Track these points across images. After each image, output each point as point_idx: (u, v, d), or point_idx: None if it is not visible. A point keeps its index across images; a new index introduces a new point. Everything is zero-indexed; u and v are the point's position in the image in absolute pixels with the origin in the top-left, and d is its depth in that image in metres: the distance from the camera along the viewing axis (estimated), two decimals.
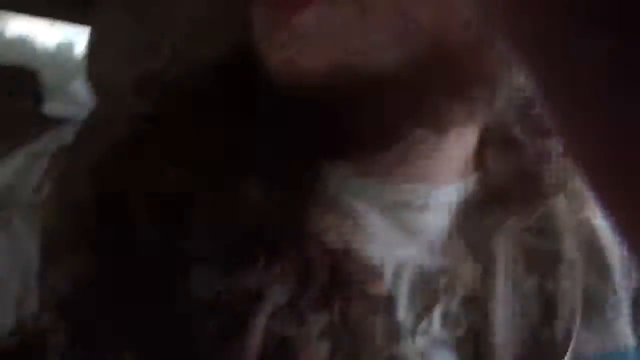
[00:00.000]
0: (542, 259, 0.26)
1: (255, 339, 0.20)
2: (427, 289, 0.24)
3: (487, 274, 0.25)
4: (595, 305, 0.26)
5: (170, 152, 0.23)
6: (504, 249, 0.25)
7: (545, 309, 0.25)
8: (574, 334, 0.25)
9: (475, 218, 0.25)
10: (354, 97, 0.21)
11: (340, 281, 0.22)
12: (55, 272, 0.21)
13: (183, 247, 0.21)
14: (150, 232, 0.21)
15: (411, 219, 0.24)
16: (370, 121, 0.22)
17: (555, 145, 0.26)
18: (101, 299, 0.20)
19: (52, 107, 1.80)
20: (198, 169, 0.22)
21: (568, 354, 0.25)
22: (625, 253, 0.19)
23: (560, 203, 0.27)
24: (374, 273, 0.23)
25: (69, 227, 0.22)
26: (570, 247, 0.26)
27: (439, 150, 0.24)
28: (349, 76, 0.21)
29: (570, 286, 0.25)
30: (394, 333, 0.22)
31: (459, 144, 0.25)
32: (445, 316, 0.24)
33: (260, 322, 0.20)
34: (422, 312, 0.23)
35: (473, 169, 0.26)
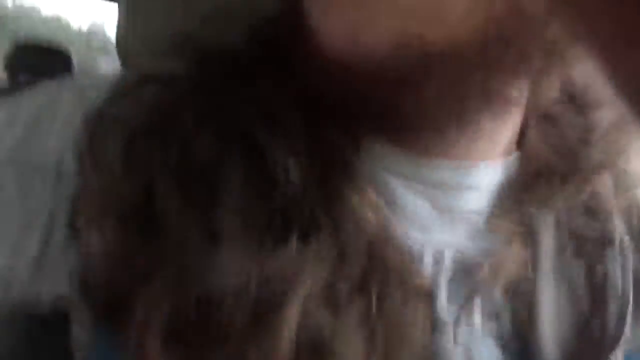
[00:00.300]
0: (590, 242, 0.24)
1: (289, 327, 0.19)
2: (468, 277, 0.22)
3: (531, 259, 0.23)
4: None
5: (203, 118, 0.22)
6: (549, 232, 0.24)
7: (595, 296, 0.24)
8: (627, 325, 0.23)
9: (518, 199, 0.24)
10: (418, 73, 0.20)
11: (378, 266, 0.21)
12: (84, 241, 0.21)
13: (213, 224, 0.20)
14: (179, 206, 0.20)
15: (451, 200, 0.23)
16: (430, 99, 0.21)
17: (601, 121, 0.25)
18: (129, 274, 0.20)
19: None
20: (230, 137, 0.21)
21: (620, 346, 0.23)
22: None
23: (608, 182, 0.25)
24: (414, 259, 0.22)
25: (100, 195, 0.21)
26: (620, 229, 0.25)
27: (488, 129, 0.22)
28: (417, 50, 0.19)
29: (622, 272, 0.24)
30: (434, 325, 0.21)
31: (507, 122, 0.23)
32: (487, 306, 0.23)
33: (293, 310, 0.19)
34: (463, 302, 0.22)
35: (515, 146, 0.25)
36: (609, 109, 0.25)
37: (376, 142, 0.23)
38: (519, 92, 0.21)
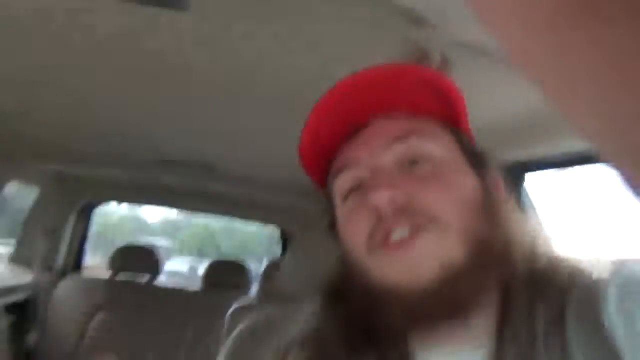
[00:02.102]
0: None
1: None
2: None
3: None
4: None
5: (329, 330, 0.49)
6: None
7: None
8: None
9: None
10: (440, 293, 0.41)
11: None
12: None
13: None
14: None
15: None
16: (445, 306, 0.41)
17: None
18: None
19: (160, 281, 2.62)
20: (340, 342, 0.47)
21: None
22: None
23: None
24: None
25: None
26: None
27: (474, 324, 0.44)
28: (439, 280, 0.41)
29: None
30: None
31: (487, 316, 0.45)
32: None
33: None
34: None
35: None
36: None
37: (413, 339, 0.45)
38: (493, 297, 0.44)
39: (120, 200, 2.74)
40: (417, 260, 0.43)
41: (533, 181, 1.07)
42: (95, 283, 2.42)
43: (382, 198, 0.44)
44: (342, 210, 0.51)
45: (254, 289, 2.57)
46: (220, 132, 1.36)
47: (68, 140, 1.67)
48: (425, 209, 0.44)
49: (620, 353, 0.36)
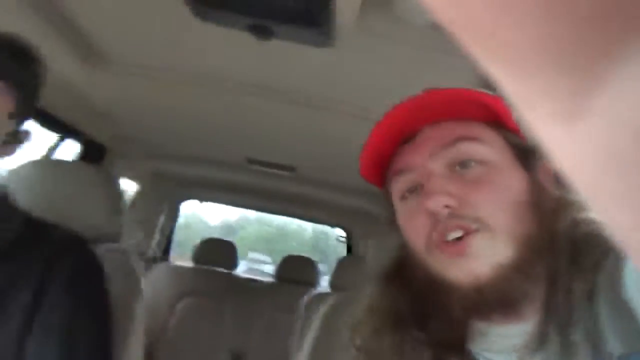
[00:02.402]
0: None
1: None
2: None
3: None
4: None
5: (377, 312, 0.57)
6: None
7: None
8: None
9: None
10: (492, 290, 0.46)
11: None
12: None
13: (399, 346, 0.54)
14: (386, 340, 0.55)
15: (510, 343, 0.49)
16: (497, 300, 0.47)
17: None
18: None
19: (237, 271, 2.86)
20: (394, 317, 0.55)
21: None
22: None
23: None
24: None
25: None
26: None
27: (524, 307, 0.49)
28: (490, 279, 0.46)
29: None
30: None
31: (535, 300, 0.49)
32: None
33: None
34: None
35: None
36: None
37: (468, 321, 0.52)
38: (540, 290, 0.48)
39: (206, 198, 3.02)
40: (469, 261, 0.48)
41: None
42: (181, 270, 2.69)
43: (437, 204, 0.49)
44: (400, 210, 0.57)
45: (322, 284, 2.74)
46: (303, 137, 1.53)
47: (167, 142, 1.92)
48: (475, 214, 0.48)
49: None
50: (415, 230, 0.53)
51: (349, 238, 3.08)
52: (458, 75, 0.93)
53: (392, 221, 0.59)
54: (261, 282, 2.87)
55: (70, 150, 1.70)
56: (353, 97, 1.13)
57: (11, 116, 0.71)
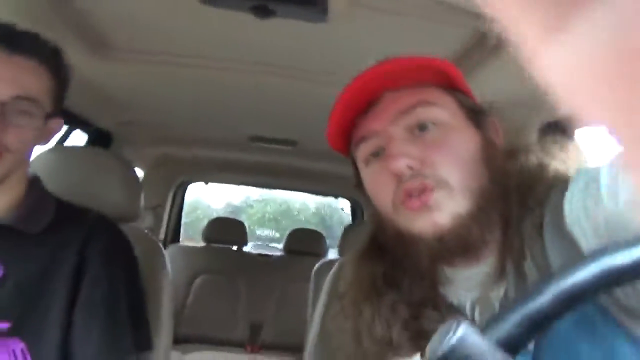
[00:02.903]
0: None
1: None
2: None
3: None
4: None
5: (355, 284, 0.63)
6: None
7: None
8: None
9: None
10: (453, 239, 0.53)
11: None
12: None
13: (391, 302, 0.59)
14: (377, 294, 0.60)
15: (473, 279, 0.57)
16: (459, 248, 0.54)
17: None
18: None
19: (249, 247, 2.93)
20: (384, 277, 0.61)
21: None
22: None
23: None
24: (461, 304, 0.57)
25: (361, 290, 0.62)
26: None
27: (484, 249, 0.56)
28: (451, 229, 0.53)
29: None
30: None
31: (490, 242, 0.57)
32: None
33: None
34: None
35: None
36: None
37: (439, 267, 0.59)
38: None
39: (211, 179, 3.08)
40: (431, 214, 0.53)
41: None
42: (194, 250, 2.77)
43: (399, 164, 0.54)
44: (366, 173, 0.61)
45: (330, 255, 2.82)
46: (303, 111, 1.58)
47: (171, 126, 1.96)
48: (435, 172, 0.54)
49: (580, 247, 0.45)
50: (381, 190, 0.58)
51: (353, 207, 3.15)
52: (451, 44, 0.97)
53: (359, 185, 0.65)
54: (271, 256, 2.96)
55: (77, 139, 1.75)
56: (350, 69, 1.17)
57: (51, 99, 0.77)
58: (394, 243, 0.59)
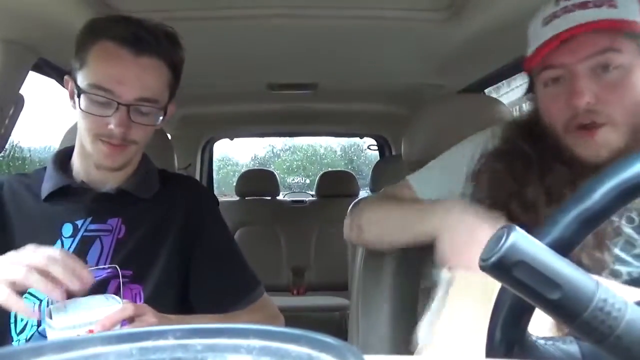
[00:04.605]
0: None
1: None
2: None
3: None
4: None
5: (517, 150, 0.78)
6: None
7: None
8: None
9: None
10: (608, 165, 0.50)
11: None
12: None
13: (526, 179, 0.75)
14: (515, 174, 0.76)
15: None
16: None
17: None
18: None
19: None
20: (525, 157, 0.76)
21: None
22: None
23: None
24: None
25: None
26: None
27: None
28: (606, 160, 0.67)
29: None
30: None
31: None
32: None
33: None
34: None
35: None
36: None
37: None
38: None
39: (235, 134, 3.10)
40: (597, 145, 0.69)
41: None
42: (230, 204, 2.84)
43: (581, 102, 0.68)
44: (543, 94, 0.75)
45: (361, 195, 2.85)
46: (322, 53, 1.55)
47: (191, 84, 1.96)
48: (607, 111, 0.68)
49: None
50: (556, 113, 0.73)
51: (380, 144, 3.13)
52: None
53: (532, 99, 0.81)
54: (306, 202, 3.00)
55: None
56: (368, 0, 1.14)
57: (169, 89, 0.90)
58: (550, 150, 0.74)
